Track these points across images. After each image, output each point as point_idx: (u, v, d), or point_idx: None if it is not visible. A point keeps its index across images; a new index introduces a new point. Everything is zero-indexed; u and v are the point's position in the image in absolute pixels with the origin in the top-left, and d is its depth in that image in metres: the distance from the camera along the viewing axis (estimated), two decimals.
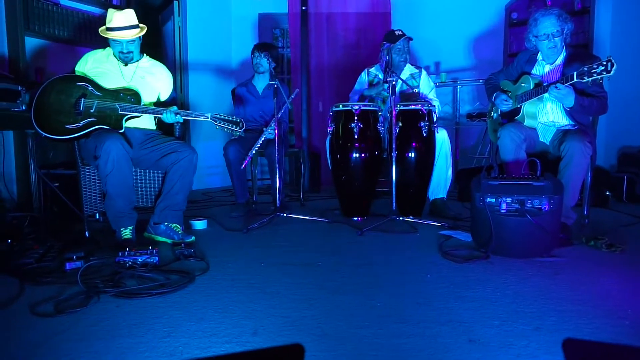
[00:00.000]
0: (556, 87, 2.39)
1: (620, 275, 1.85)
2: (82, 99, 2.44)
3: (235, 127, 2.56)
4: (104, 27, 2.52)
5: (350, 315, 1.49)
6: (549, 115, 2.68)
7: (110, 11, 2.51)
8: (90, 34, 3.68)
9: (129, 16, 2.50)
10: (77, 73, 2.59)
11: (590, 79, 2.24)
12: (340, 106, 3.16)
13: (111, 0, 3.88)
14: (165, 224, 2.51)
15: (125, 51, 2.55)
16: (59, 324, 1.43)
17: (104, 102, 2.46)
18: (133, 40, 2.56)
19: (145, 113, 2.52)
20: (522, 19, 4.67)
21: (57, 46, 3.57)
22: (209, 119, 2.55)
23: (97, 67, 2.60)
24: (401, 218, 2.87)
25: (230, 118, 2.58)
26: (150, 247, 2.07)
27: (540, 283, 1.77)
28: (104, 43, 2.65)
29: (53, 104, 2.42)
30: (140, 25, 2.57)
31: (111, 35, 2.50)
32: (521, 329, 1.36)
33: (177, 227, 2.52)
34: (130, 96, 2.52)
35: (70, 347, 1.28)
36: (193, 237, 2.51)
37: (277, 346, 0.69)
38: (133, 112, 2.48)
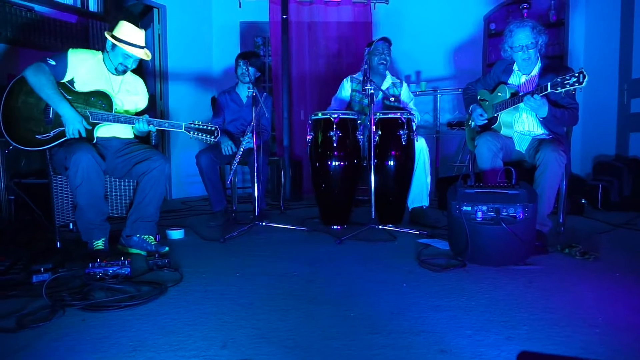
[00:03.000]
0: (532, 97, 2.42)
1: (592, 283, 1.87)
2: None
3: (209, 137, 2.53)
4: (112, 33, 2.44)
5: (324, 326, 1.46)
6: (524, 124, 2.71)
7: (129, 25, 2.45)
8: (68, 41, 3.62)
9: (142, 37, 2.50)
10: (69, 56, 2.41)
11: (563, 89, 2.27)
12: (320, 114, 3.15)
13: (87, 7, 3.83)
14: (138, 235, 2.45)
15: (127, 65, 2.50)
16: (20, 339, 1.38)
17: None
18: (137, 60, 2.54)
19: (117, 122, 2.45)
20: (501, 30, 4.74)
21: (31, 52, 3.50)
22: (183, 130, 2.50)
23: (84, 66, 2.45)
24: (380, 226, 2.86)
25: (205, 127, 2.53)
26: (122, 258, 2.01)
27: (514, 291, 1.77)
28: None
29: (22, 109, 2.34)
30: (146, 49, 2.54)
31: (124, 47, 2.42)
32: (493, 338, 1.35)
33: (150, 238, 2.46)
34: (102, 101, 2.44)
35: None
36: (167, 248, 2.44)
37: None
38: (104, 120, 2.42)
